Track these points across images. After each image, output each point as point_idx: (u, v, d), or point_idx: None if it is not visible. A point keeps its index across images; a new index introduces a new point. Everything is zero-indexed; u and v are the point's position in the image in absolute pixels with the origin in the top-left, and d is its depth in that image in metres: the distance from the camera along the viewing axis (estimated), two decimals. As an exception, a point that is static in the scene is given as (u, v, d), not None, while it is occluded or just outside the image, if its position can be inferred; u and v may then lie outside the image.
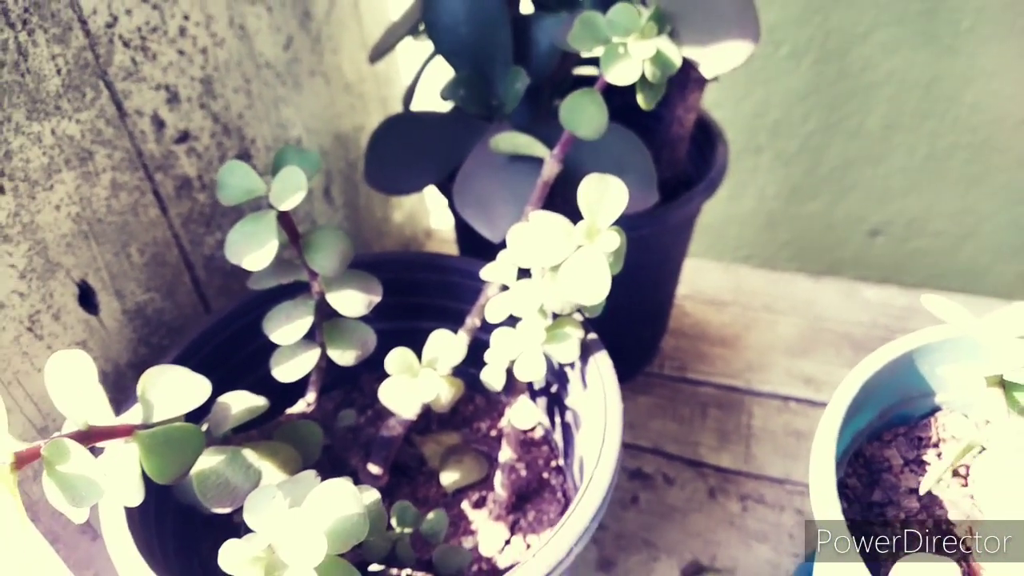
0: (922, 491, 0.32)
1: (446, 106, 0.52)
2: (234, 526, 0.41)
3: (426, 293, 0.46)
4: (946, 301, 0.29)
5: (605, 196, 0.35)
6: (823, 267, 0.86)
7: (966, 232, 0.79)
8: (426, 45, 0.54)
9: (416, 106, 0.55)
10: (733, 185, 0.84)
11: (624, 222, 0.39)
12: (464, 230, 0.55)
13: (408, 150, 0.49)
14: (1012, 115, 0.71)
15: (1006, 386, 0.27)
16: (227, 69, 0.47)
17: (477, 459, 0.45)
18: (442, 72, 0.52)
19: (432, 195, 0.76)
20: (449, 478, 0.44)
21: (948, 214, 0.79)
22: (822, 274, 0.71)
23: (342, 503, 0.30)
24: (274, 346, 0.41)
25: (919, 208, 0.79)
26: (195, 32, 0.45)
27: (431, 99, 0.53)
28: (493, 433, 0.47)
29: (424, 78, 0.55)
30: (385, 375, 0.40)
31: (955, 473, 0.37)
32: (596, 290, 0.35)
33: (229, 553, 0.29)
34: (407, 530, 0.36)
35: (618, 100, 0.47)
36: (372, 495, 0.33)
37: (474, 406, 0.48)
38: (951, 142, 0.74)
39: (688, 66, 0.45)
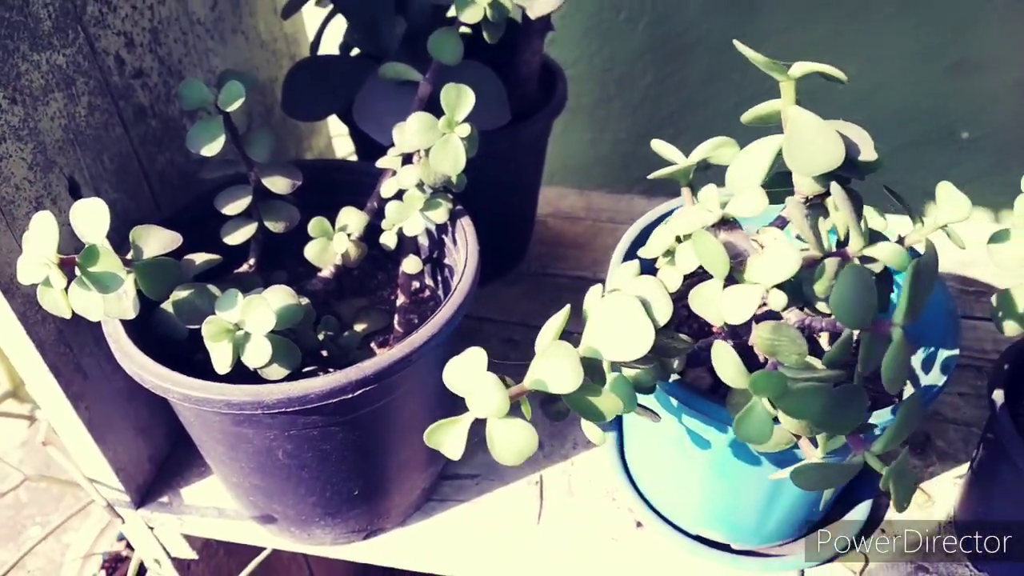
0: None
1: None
2: (195, 363, 0.55)
3: (337, 191, 0.61)
4: (668, 145, 0.46)
5: (459, 98, 0.51)
6: (668, 196, 1.04)
7: (774, 163, 0.98)
8: (326, 9, 0.68)
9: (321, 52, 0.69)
10: (593, 131, 1.01)
11: (484, 138, 0.54)
12: (363, 150, 0.70)
13: (316, 85, 0.63)
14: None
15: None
16: (168, 23, 0.60)
17: (380, 314, 0.59)
18: (341, 28, 0.66)
19: (339, 137, 0.89)
20: (360, 326, 0.58)
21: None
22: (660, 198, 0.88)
23: (285, 297, 0.44)
24: (217, 234, 0.54)
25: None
26: (144, -8, 0.58)
27: (332, 48, 0.68)
28: (393, 298, 0.62)
29: (326, 31, 0.69)
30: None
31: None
32: (456, 164, 0.51)
33: (208, 327, 0.43)
34: (330, 333, 0.51)
35: (491, 53, 0.62)
36: (304, 299, 0.47)
37: (377, 280, 0.63)
38: (753, 91, 0.93)
39: (531, 19, 0.61)
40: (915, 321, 0.29)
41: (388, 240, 0.55)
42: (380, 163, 0.54)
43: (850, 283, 0.28)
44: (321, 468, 0.49)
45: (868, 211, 0.45)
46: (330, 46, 0.70)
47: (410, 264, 0.54)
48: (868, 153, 0.35)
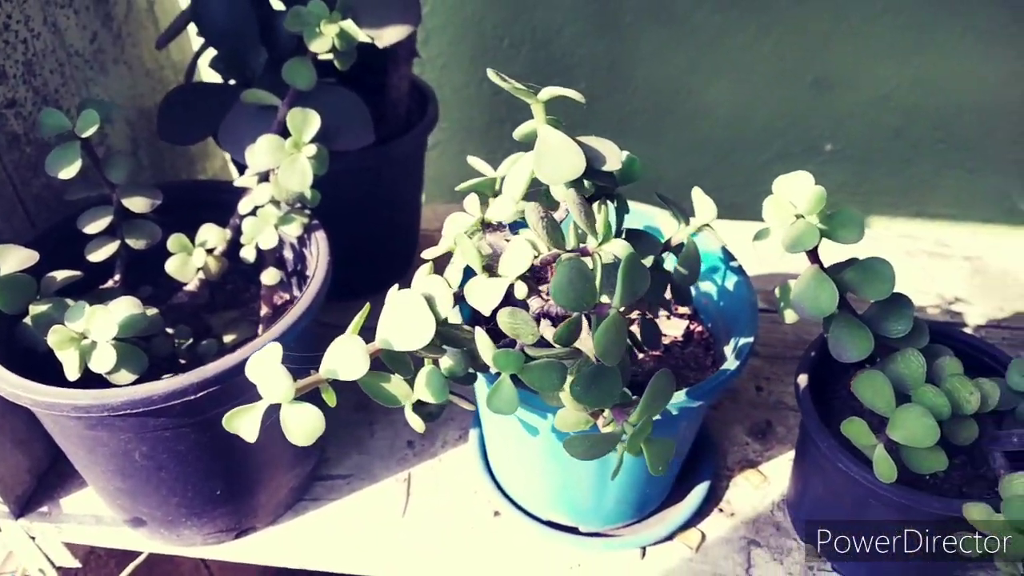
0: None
1: (218, 79, 0.70)
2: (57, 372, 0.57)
3: (206, 209, 0.64)
4: (480, 160, 0.50)
5: (305, 121, 0.55)
6: (561, 212, 1.09)
7: (655, 177, 1.04)
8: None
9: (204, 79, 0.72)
10: (486, 151, 1.06)
11: (353, 157, 0.59)
12: (243, 171, 0.74)
13: (189, 110, 0.67)
14: (671, 86, 0.97)
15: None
16: (44, 56, 0.64)
17: (250, 324, 0.63)
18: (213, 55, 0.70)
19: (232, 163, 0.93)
20: (229, 336, 0.62)
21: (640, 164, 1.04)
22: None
23: (129, 307, 0.48)
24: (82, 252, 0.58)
25: (623, 161, 1.04)
26: (17, 27, 0.61)
27: (208, 75, 0.71)
28: (262, 311, 0.65)
29: (201, 60, 0.73)
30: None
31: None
32: (303, 181, 0.55)
33: (53, 336, 0.46)
34: (186, 341, 0.54)
35: (365, 78, 0.66)
36: (152, 310, 0.51)
37: (250, 293, 0.66)
38: (633, 108, 0.99)
39: (397, 46, 0.66)
40: (630, 303, 0.34)
41: (247, 254, 0.58)
42: (238, 182, 0.58)
43: (564, 273, 0.33)
44: (179, 469, 0.53)
45: (660, 213, 0.51)
46: (212, 73, 0.74)
47: (268, 276, 0.58)
48: (613, 164, 0.40)
